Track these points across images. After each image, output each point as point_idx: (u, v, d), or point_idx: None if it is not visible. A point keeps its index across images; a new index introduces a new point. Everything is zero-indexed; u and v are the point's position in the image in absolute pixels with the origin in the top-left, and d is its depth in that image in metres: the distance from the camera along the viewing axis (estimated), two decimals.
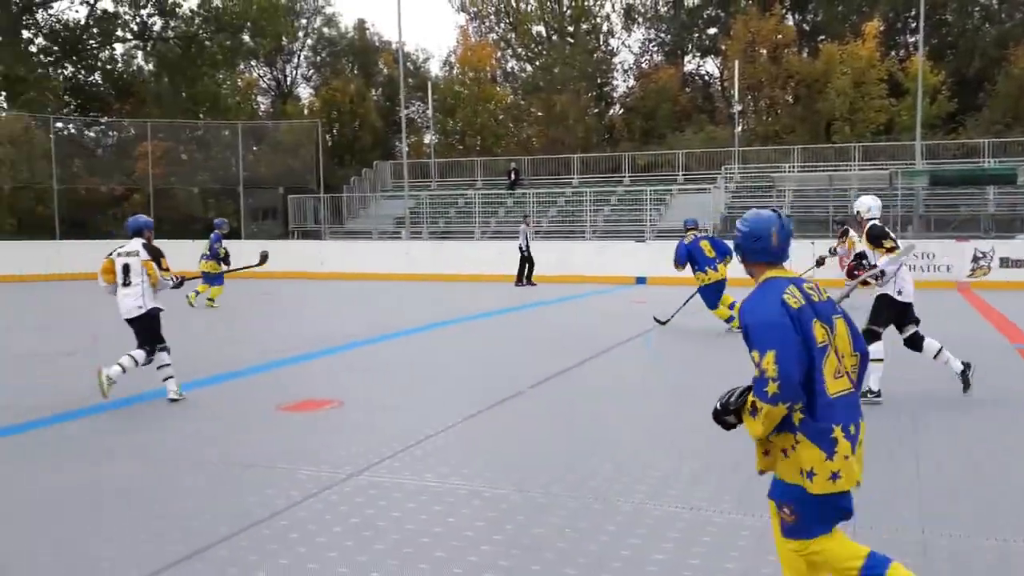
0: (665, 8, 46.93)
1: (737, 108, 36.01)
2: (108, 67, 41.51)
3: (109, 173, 33.85)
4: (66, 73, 39.50)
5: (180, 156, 34.27)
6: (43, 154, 30.04)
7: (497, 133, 45.30)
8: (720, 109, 43.92)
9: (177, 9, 39.35)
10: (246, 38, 41.70)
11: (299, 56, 51.66)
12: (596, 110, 45.63)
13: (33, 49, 38.12)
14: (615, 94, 48.08)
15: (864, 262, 7.50)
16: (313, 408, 7.44)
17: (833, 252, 15.60)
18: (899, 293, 7.37)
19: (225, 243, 16.74)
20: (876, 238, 7.31)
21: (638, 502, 4.83)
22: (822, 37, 42.09)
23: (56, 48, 39.21)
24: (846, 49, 37.39)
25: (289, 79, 52.23)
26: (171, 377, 7.85)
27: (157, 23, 40.07)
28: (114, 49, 41.67)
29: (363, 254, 26.57)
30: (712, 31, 46.41)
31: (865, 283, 7.44)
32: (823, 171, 29.61)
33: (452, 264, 25.18)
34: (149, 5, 39.37)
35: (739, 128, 34.98)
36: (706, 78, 48.52)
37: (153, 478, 5.45)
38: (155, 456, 5.97)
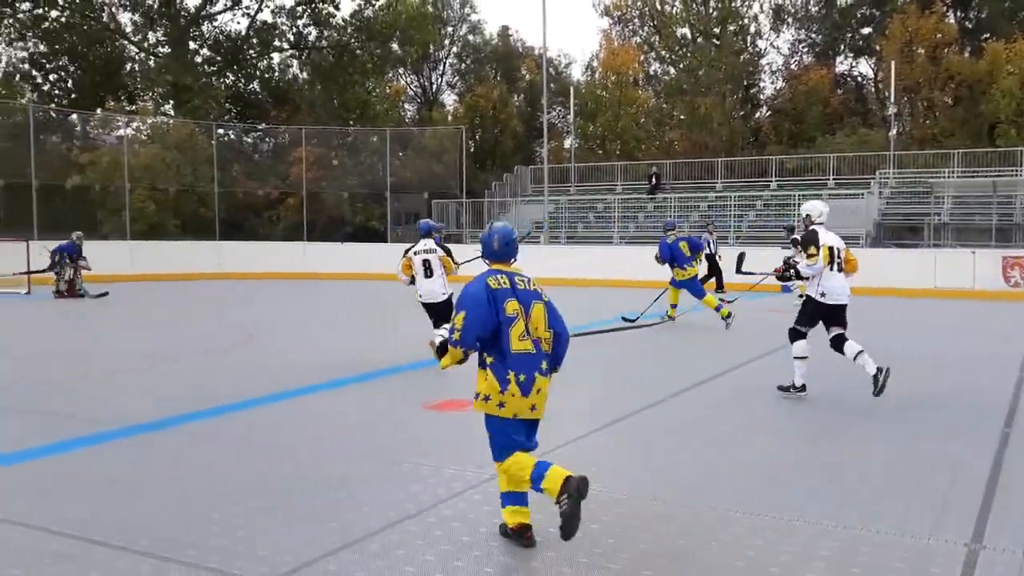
0: (816, 8, 45.40)
1: (892, 110, 34.34)
2: (266, 76, 43.58)
3: (265, 177, 35.52)
4: (227, 82, 41.66)
5: (331, 161, 35.58)
6: (206, 159, 31.82)
7: (638, 137, 44.93)
8: (874, 111, 42.07)
9: (331, 19, 40.89)
10: (395, 47, 42.93)
11: (444, 63, 52.82)
12: (742, 113, 44.59)
13: (198, 60, 40.43)
14: (762, 96, 46.88)
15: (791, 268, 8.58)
16: (456, 408, 7.58)
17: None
18: (822, 296, 7.84)
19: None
20: (805, 243, 7.96)
21: (786, 519, 4.69)
22: (986, 35, 39.69)
23: (219, 58, 41.44)
24: (1013, 47, 35.10)
25: (435, 86, 53.50)
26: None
27: (312, 33, 41.76)
28: (271, 58, 43.76)
29: None
30: (866, 31, 44.52)
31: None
32: (985, 176, 27.91)
33: (590, 269, 25.15)
34: (305, 16, 41.07)
35: (894, 131, 33.36)
36: (859, 79, 46.64)
37: (310, 469, 5.68)
38: (311, 449, 6.22)
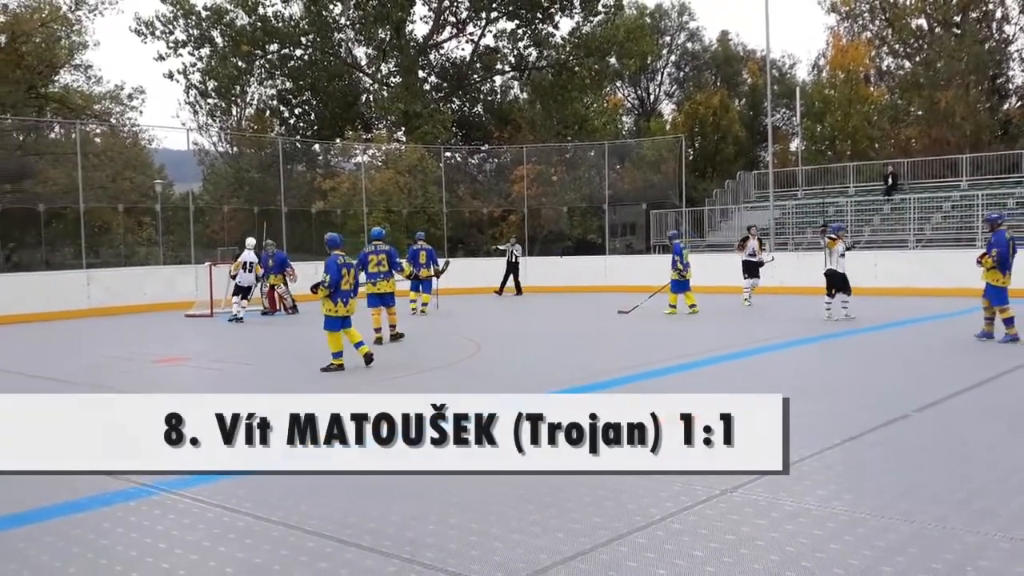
0: None
1: None
2: (489, 98, 45.06)
3: (489, 196, 36.67)
4: (453, 107, 43.38)
5: (551, 177, 36.19)
6: (435, 181, 33.31)
7: (871, 136, 42.51)
8: None
9: (550, 39, 41.64)
10: (613, 60, 43.08)
11: (662, 73, 52.44)
12: (988, 105, 41.03)
13: (426, 87, 42.44)
14: (1011, 86, 42.93)
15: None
16: None
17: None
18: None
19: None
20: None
21: None
22: None
23: (445, 84, 43.31)
24: None
25: (652, 96, 53.21)
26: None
27: (532, 54, 42.68)
28: (494, 81, 45.18)
29: (718, 267, 25.94)
30: None
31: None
32: None
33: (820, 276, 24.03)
34: (525, 37, 42.07)
35: None
36: None
37: (541, 479, 5.67)
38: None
